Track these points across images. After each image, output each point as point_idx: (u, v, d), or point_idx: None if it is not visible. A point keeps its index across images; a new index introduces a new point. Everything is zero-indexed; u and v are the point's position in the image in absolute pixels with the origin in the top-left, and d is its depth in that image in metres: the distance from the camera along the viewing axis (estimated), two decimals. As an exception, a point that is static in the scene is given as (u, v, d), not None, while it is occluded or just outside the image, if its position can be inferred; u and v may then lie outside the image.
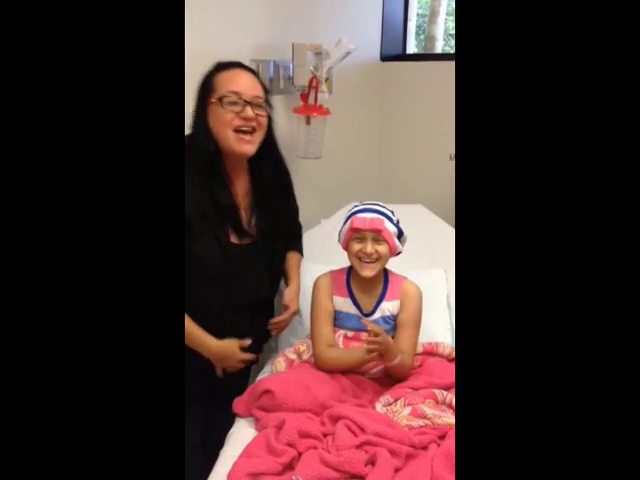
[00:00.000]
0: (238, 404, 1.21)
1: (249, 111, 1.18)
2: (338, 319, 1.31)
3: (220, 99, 1.18)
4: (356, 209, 1.27)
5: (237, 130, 1.19)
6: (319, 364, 1.25)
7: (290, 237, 1.43)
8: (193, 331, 1.20)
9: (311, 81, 1.85)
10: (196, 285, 1.12)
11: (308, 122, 1.92)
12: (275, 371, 1.29)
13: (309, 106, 1.89)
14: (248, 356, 1.29)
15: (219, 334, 1.24)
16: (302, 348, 1.32)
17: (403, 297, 1.29)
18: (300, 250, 1.47)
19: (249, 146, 1.21)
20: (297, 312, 1.37)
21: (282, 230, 1.36)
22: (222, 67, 1.23)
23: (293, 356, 1.31)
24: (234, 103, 1.18)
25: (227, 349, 1.25)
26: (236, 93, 1.18)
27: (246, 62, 1.38)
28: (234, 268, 1.23)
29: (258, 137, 1.22)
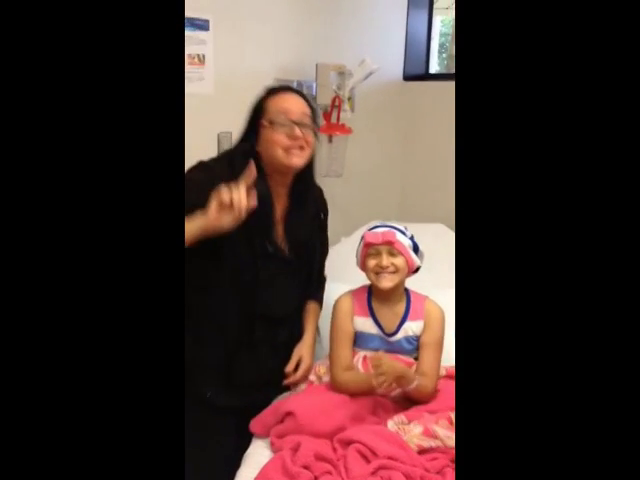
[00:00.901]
0: (257, 424, 1.20)
1: (297, 131, 1.22)
2: (359, 340, 1.30)
3: (271, 122, 1.23)
4: (368, 228, 1.29)
5: (286, 149, 1.23)
6: (334, 387, 1.24)
7: (314, 280, 1.42)
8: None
9: (334, 100, 1.87)
10: (225, 292, 1.15)
11: (330, 140, 1.93)
12: (295, 393, 1.28)
13: (331, 125, 1.90)
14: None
15: (246, 344, 1.25)
16: (322, 370, 1.30)
17: (427, 318, 1.28)
18: (320, 301, 1.45)
19: (298, 159, 1.24)
20: (311, 367, 1.34)
21: (312, 256, 1.38)
22: (272, 91, 1.28)
23: (313, 378, 1.30)
24: (283, 124, 1.22)
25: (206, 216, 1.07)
26: (285, 113, 1.23)
27: (270, 82, 1.42)
28: (262, 275, 1.25)
29: (307, 153, 1.26)
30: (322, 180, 2.00)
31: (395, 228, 1.26)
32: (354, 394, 1.21)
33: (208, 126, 1.70)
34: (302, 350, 1.32)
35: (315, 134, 1.29)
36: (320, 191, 1.42)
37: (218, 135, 1.74)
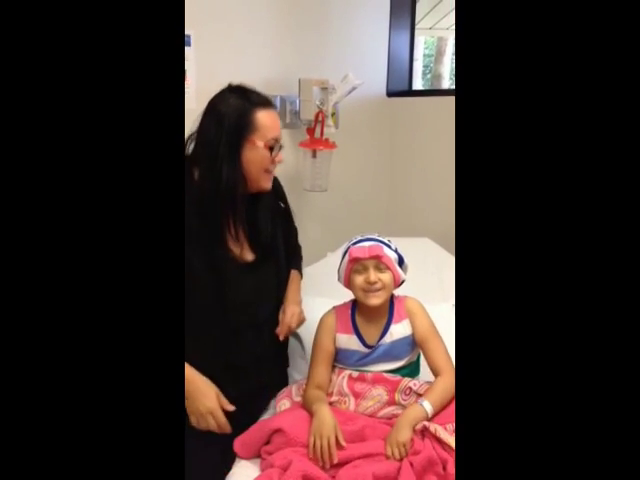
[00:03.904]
0: (241, 445, 1.15)
1: (281, 156, 1.23)
2: (341, 356, 1.26)
3: (270, 146, 1.20)
4: (351, 242, 1.25)
5: (267, 170, 1.23)
6: (303, 403, 1.20)
7: (291, 257, 1.42)
8: None
9: (317, 115, 1.87)
10: (191, 302, 1.09)
11: (314, 155, 1.92)
12: (279, 412, 1.23)
13: (315, 140, 1.90)
14: (220, 415, 1.12)
15: (217, 358, 1.19)
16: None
17: (410, 314, 1.25)
18: (299, 269, 1.46)
19: (270, 183, 1.26)
20: (302, 314, 1.31)
21: (283, 250, 1.35)
22: (257, 104, 1.20)
23: (298, 398, 1.25)
24: (272, 148, 1.21)
25: (201, 388, 1.12)
26: (276, 140, 1.22)
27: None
28: (231, 285, 1.21)
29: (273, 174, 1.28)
30: (307, 195, 1.99)
31: (380, 241, 1.23)
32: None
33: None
34: (291, 306, 1.29)
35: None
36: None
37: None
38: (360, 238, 1.25)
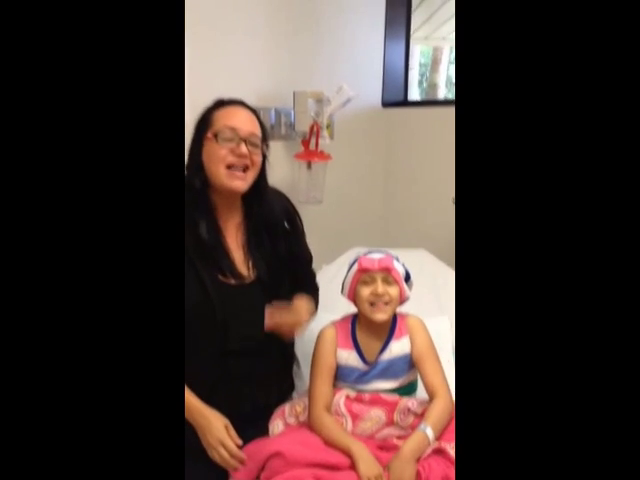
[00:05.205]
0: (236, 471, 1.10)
1: (243, 148, 1.15)
2: (341, 373, 1.22)
3: (215, 135, 1.15)
4: (360, 254, 1.22)
5: (230, 166, 1.16)
6: (313, 427, 1.15)
7: (299, 285, 1.31)
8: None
9: (312, 127, 1.86)
10: (191, 335, 1.03)
11: (309, 167, 1.92)
12: (272, 434, 1.19)
13: (310, 151, 1.89)
14: (232, 445, 1.08)
15: (215, 384, 1.15)
16: (299, 409, 1.21)
17: (410, 332, 1.22)
18: (313, 295, 1.33)
19: (240, 182, 1.17)
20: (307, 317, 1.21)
21: (284, 273, 1.27)
22: (221, 104, 1.21)
23: (291, 420, 1.21)
24: (229, 139, 1.15)
25: (211, 419, 1.09)
26: (232, 129, 1.15)
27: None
28: (225, 309, 1.15)
29: (251, 175, 1.19)
30: (302, 207, 1.98)
31: (390, 255, 1.21)
32: (325, 440, 1.12)
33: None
34: (298, 304, 1.19)
35: (264, 154, 1.22)
36: (281, 198, 1.31)
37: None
38: (370, 250, 1.23)
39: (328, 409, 1.17)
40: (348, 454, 1.06)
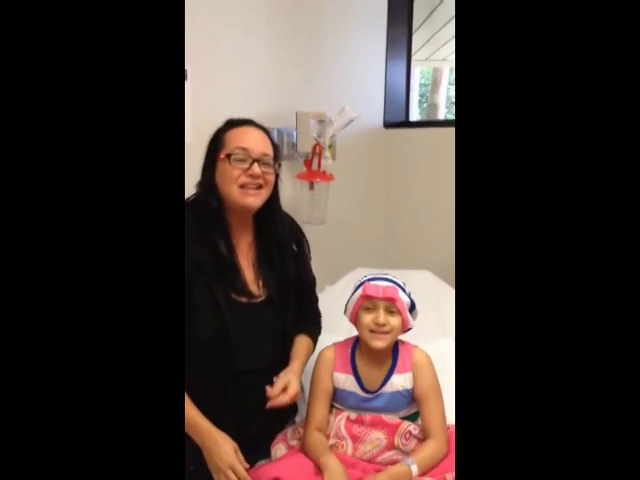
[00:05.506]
0: None
1: (256, 169, 1.17)
2: (339, 397, 1.21)
3: (228, 156, 1.17)
4: (366, 278, 1.20)
5: (243, 186, 1.17)
6: (303, 448, 1.14)
7: (303, 309, 1.31)
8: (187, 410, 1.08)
9: (314, 148, 1.87)
10: (193, 348, 1.05)
11: (311, 188, 1.92)
12: (275, 457, 1.18)
13: (312, 172, 1.90)
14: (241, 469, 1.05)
15: (222, 405, 1.14)
16: (302, 432, 1.20)
17: (414, 368, 1.19)
18: (311, 335, 1.31)
19: (253, 199, 1.18)
20: (298, 392, 1.18)
21: (292, 294, 1.27)
22: (233, 124, 1.23)
23: (294, 442, 1.20)
24: (242, 160, 1.17)
25: (220, 443, 1.07)
26: (244, 150, 1.17)
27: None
28: (236, 329, 1.15)
29: (264, 193, 1.21)
30: (304, 227, 1.97)
31: (396, 283, 1.18)
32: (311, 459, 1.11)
33: (187, 174, 1.67)
34: (288, 375, 1.15)
35: (277, 173, 1.24)
36: (289, 221, 1.33)
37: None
38: (376, 276, 1.20)
39: (321, 430, 1.17)
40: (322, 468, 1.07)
